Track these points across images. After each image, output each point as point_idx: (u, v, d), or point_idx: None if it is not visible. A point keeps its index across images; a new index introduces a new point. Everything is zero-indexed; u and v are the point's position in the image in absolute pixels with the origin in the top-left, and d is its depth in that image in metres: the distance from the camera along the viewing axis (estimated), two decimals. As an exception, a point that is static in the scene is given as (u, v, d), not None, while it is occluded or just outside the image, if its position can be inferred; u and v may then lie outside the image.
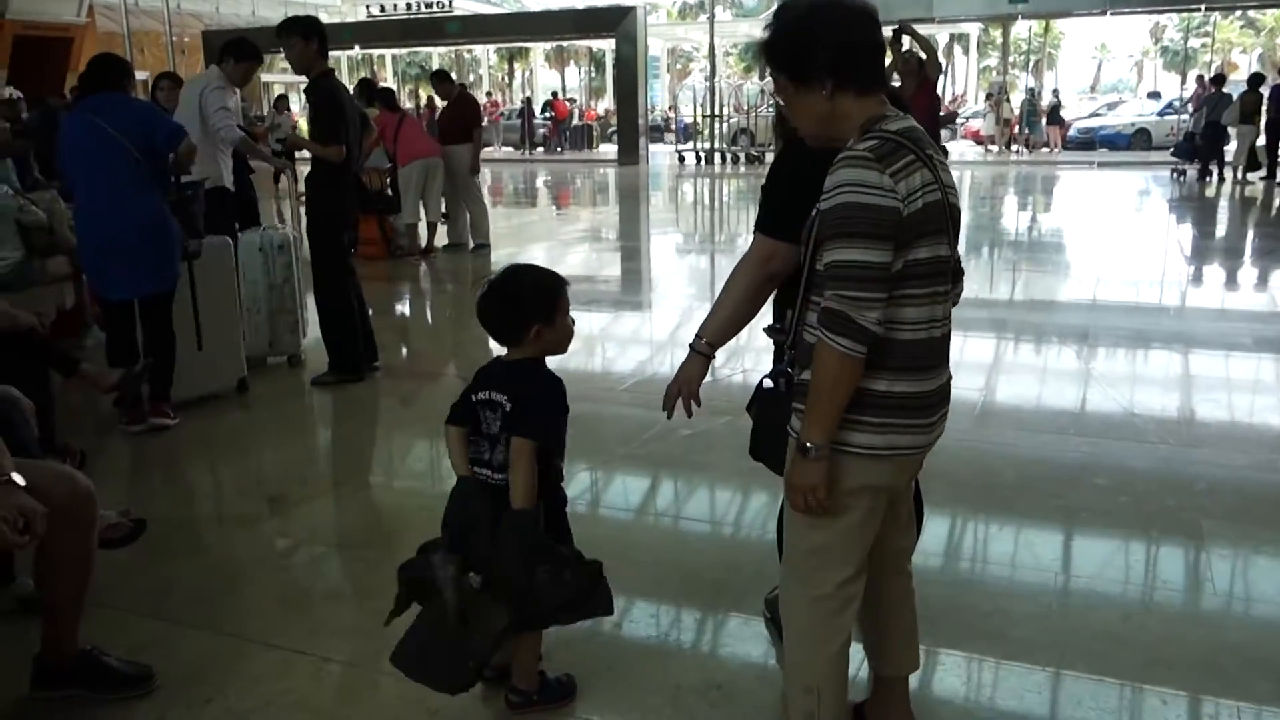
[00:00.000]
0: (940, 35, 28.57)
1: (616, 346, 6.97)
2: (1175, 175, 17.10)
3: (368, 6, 28.10)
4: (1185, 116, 21.79)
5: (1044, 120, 24.92)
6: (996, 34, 33.69)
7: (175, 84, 6.42)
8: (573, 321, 2.44)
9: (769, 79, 2.39)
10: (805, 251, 2.01)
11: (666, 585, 3.19)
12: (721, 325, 2.35)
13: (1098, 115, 28.01)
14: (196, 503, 4.20)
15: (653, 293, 8.89)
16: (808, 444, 1.93)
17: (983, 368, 5.80)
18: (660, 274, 10.06)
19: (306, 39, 5.20)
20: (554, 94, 34.18)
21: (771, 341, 2.39)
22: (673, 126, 29.42)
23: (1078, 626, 2.90)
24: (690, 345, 2.39)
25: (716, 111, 23.41)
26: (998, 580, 3.21)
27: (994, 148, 24.24)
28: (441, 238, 10.39)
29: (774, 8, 2.42)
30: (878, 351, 1.91)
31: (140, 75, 30.05)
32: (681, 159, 23.80)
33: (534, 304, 2.37)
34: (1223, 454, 4.25)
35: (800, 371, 2.03)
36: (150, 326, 4.75)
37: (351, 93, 5.68)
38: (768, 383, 2.21)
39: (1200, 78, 25.94)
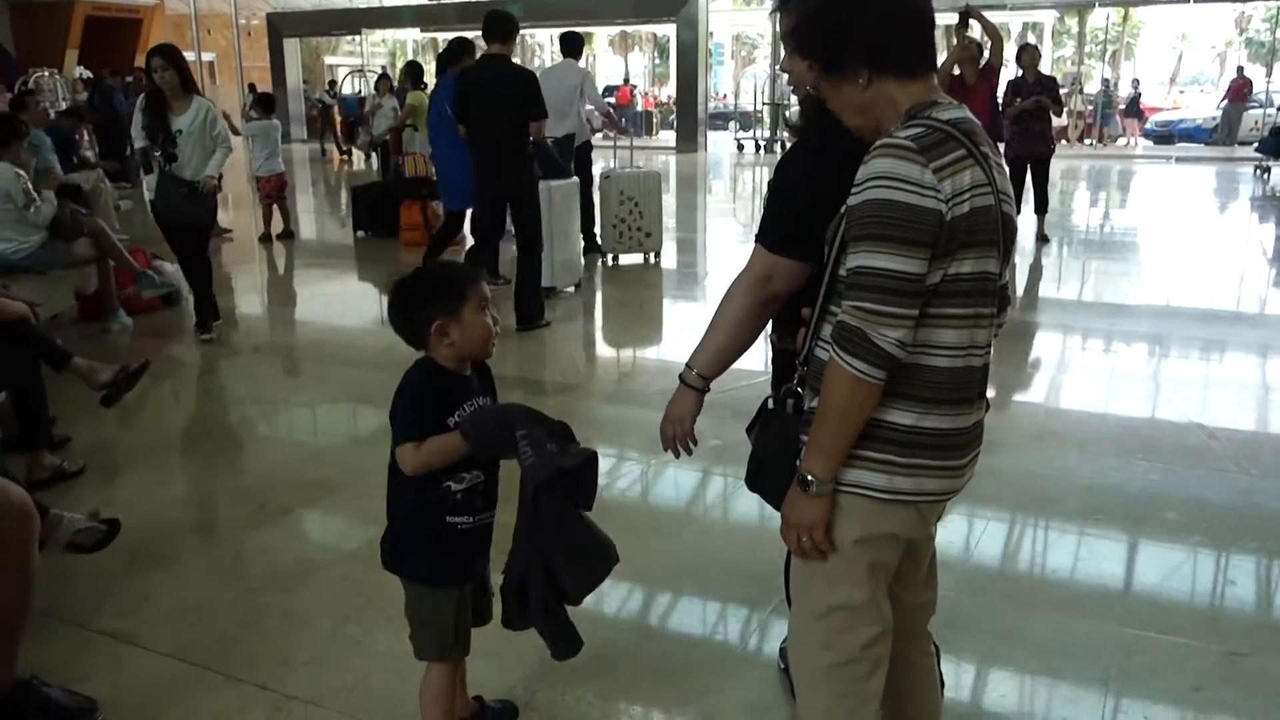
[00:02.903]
0: (1013, 23, 27.61)
1: (661, 345, 6.66)
2: (1259, 172, 16.21)
3: (429, -11, 27.99)
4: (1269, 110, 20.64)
5: (1120, 113, 23.93)
6: (1073, 23, 32.56)
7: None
8: (495, 320, 2.08)
9: (788, 64, 2.02)
10: (829, 253, 1.69)
11: (685, 612, 2.89)
12: (715, 355, 1.99)
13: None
14: (197, 503, 3.97)
15: (704, 284, 8.52)
16: (808, 476, 1.64)
17: (1044, 380, 5.37)
18: (715, 266, 9.67)
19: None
20: (625, 80, 34.01)
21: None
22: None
23: (1143, 695, 2.52)
24: (680, 376, 2.03)
25: (778, 99, 22.87)
26: (1048, 633, 2.81)
27: (1064, 141, 23.34)
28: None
29: None
30: (907, 380, 1.60)
31: (207, 56, 30.41)
32: (740, 147, 23.36)
33: (436, 298, 2.05)
34: (1313, 488, 3.80)
35: (811, 396, 1.71)
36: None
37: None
38: (772, 402, 1.89)
39: (1240, 69, 24.46)
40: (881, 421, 1.63)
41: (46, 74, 18.37)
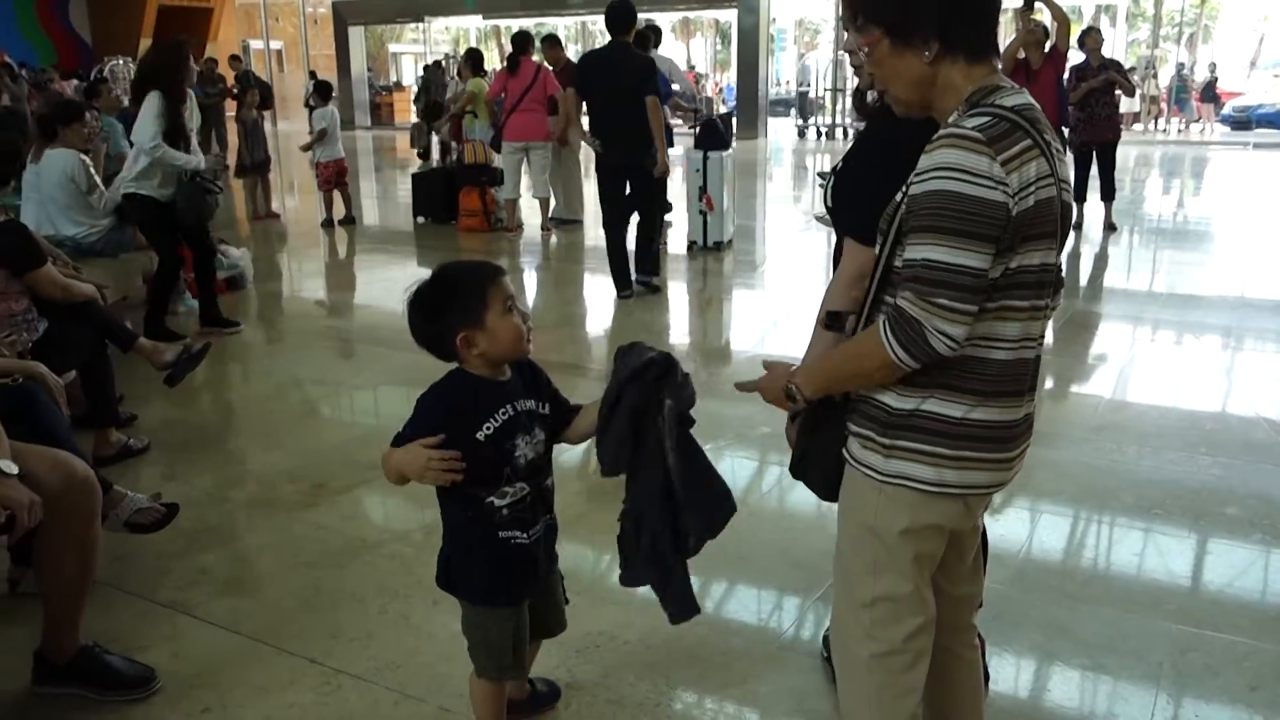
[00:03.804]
0: (1085, 5, 26.92)
1: (722, 333, 6.64)
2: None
3: (491, -24, 28.13)
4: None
5: (1196, 97, 23.21)
6: (1148, 4, 31.65)
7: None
8: (524, 316, 1.96)
9: (849, 38, 1.97)
10: (883, 244, 1.66)
11: (730, 598, 2.89)
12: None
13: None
14: (255, 481, 4.06)
15: (762, 274, 8.48)
16: (793, 388, 1.73)
17: (1107, 372, 5.25)
18: (774, 255, 9.63)
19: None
20: (688, 66, 34.07)
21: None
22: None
23: (1196, 694, 2.46)
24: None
25: (840, 85, 22.62)
26: (1099, 629, 2.76)
27: (1137, 126, 22.72)
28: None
29: None
30: (962, 372, 1.59)
31: (275, 45, 30.75)
32: (802, 134, 23.17)
33: (456, 307, 1.91)
34: (1385, 486, 3.67)
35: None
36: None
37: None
38: None
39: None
40: (931, 414, 1.61)
41: (120, 62, 18.81)
